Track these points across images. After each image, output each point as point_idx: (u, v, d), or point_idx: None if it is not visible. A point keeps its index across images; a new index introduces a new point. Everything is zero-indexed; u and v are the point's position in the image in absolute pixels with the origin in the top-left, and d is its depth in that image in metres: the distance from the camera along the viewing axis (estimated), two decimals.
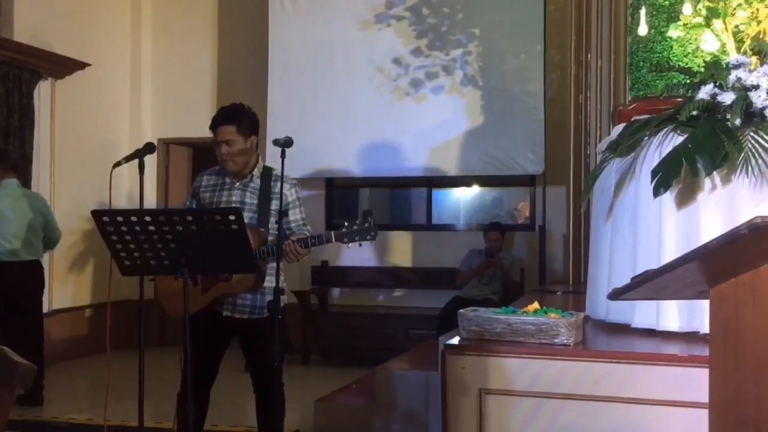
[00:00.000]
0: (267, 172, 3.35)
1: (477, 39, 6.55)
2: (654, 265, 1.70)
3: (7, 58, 6.03)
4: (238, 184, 3.30)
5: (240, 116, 3.28)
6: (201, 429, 3.33)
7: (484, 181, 7.17)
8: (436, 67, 6.62)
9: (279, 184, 3.19)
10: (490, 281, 6.39)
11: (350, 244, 3.13)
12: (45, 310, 6.51)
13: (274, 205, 3.21)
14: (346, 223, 3.13)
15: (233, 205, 3.23)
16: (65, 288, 6.69)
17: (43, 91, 6.49)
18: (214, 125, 3.28)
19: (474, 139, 6.53)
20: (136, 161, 2.89)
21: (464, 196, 7.66)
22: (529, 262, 6.66)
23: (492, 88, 6.51)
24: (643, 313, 2.63)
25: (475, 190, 7.52)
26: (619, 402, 2.19)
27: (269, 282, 3.25)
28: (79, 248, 6.61)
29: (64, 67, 6.62)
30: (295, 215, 3.30)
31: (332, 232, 3.13)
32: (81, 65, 6.72)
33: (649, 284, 1.57)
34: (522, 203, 7.27)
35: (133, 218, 2.59)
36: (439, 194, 7.44)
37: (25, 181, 6.15)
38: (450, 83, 6.60)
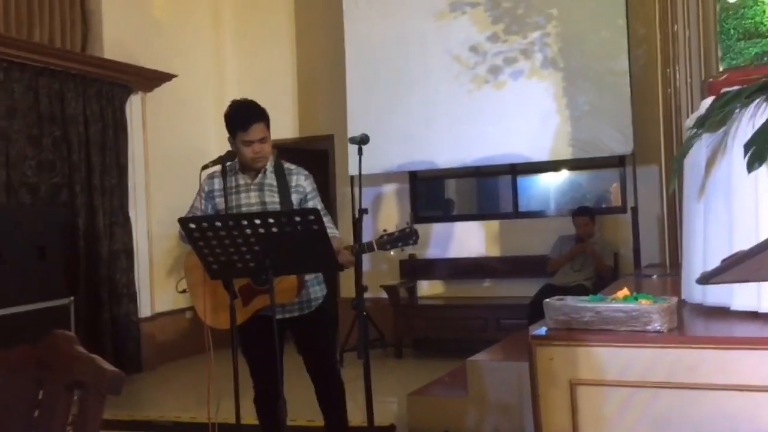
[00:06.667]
0: (279, 166, 3.27)
1: (555, 19, 6.38)
2: (751, 245, 1.59)
3: (100, 75, 6.33)
4: (252, 184, 3.24)
5: (265, 112, 3.21)
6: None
7: (572, 164, 6.97)
8: (515, 51, 6.49)
9: (294, 177, 3.22)
10: (582, 267, 6.24)
11: (393, 251, 3.12)
12: (148, 314, 6.83)
13: (295, 198, 3.21)
14: (385, 230, 3.15)
15: (254, 207, 3.18)
16: (166, 291, 6.95)
17: (134, 104, 6.78)
18: (248, 123, 3.12)
19: (557, 122, 6.37)
20: None
21: (552, 181, 7.48)
22: (623, 246, 6.45)
23: (573, 69, 6.33)
24: (744, 295, 2.48)
25: (563, 174, 7.33)
26: (717, 389, 2.08)
27: (314, 293, 3.28)
28: (175, 253, 6.86)
29: (152, 80, 6.88)
30: (315, 206, 3.19)
31: (374, 241, 3.09)
32: (168, 77, 6.97)
33: (742, 266, 1.47)
34: (613, 185, 7.05)
35: (218, 223, 2.67)
36: (524, 181, 7.30)
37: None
38: (530, 67, 6.47)
